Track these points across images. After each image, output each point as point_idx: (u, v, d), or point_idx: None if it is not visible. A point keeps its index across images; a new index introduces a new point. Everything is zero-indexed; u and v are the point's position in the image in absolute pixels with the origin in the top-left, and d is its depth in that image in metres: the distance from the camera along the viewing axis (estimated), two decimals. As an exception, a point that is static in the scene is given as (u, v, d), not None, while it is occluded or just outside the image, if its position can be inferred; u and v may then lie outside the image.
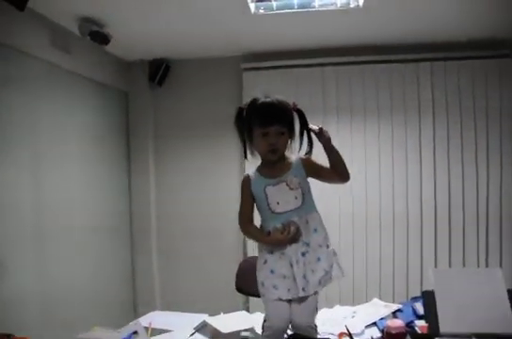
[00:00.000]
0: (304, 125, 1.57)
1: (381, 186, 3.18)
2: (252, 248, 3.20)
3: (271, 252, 1.58)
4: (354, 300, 2.64)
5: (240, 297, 2.91)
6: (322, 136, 1.52)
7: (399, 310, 1.97)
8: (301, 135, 1.57)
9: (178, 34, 2.88)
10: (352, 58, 3.19)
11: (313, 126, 1.54)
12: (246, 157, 1.64)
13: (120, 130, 3.37)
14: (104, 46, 2.71)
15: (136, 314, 3.16)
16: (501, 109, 3.09)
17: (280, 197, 1.57)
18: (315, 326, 1.60)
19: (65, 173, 2.63)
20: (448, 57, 3.14)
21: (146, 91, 3.43)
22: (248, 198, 1.62)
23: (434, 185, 3.14)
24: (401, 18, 2.70)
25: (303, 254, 1.55)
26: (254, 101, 1.56)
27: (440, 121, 3.15)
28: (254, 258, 2.73)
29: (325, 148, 1.55)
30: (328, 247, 1.60)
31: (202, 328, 1.95)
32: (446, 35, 3.03)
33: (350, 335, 1.57)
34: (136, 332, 1.41)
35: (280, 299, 1.55)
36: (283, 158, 1.61)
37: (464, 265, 3.06)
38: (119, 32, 2.68)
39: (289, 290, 1.54)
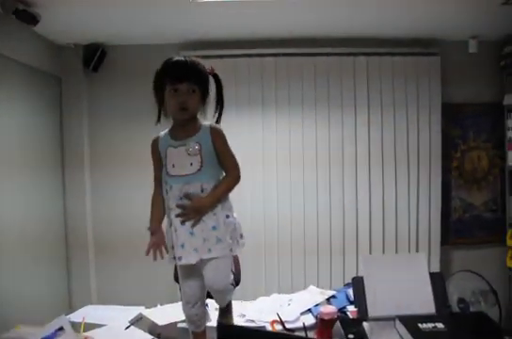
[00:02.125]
0: (219, 92, 1.57)
1: (318, 179, 3.25)
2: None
3: (176, 214, 1.55)
4: (293, 289, 2.69)
5: (177, 287, 2.89)
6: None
7: (333, 296, 2.03)
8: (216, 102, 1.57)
9: (115, 18, 2.76)
10: (290, 50, 3.21)
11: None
12: (159, 121, 1.61)
13: (53, 117, 3.20)
14: (33, 27, 2.54)
15: (72, 310, 3.05)
16: (430, 104, 3.26)
17: (177, 160, 1.55)
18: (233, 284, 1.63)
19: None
20: (383, 53, 3.25)
21: (80, 77, 3.27)
22: (156, 159, 1.62)
23: (368, 175, 3.26)
24: (338, 12, 2.73)
25: (183, 223, 1.52)
26: (167, 60, 1.55)
27: (374, 114, 3.27)
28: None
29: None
30: (227, 217, 1.56)
31: (138, 321, 1.92)
32: (382, 31, 3.12)
33: (282, 323, 1.60)
34: (61, 328, 1.34)
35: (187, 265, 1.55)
36: (194, 121, 1.58)
37: (397, 251, 3.22)
38: (48, 13, 2.50)
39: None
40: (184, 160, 1.53)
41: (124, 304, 2.13)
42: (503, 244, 3.21)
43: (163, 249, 1.58)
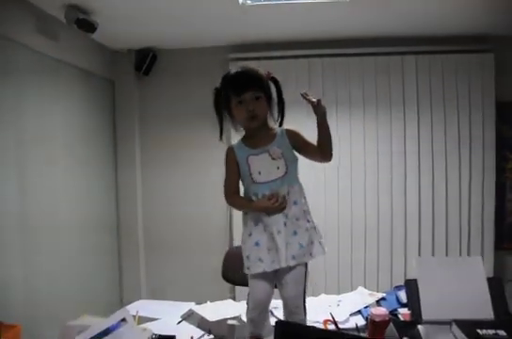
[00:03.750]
0: (279, 95, 1.58)
1: (366, 178, 3.22)
2: (238, 237, 3.21)
3: (256, 224, 1.57)
4: (339, 290, 2.68)
5: (226, 285, 2.94)
6: (319, 108, 1.49)
7: (383, 298, 2.01)
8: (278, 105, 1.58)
9: (165, 23, 2.85)
10: (338, 51, 3.20)
11: (311, 97, 1.49)
12: (221, 139, 1.64)
13: (107, 119, 3.34)
14: (91, 34, 2.67)
15: (122, 303, 3.18)
16: (483, 103, 3.15)
17: (262, 167, 1.55)
18: (304, 307, 1.61)
19: (50, 162, 2.60)
20: (433, 51, 3.18)
21: (132, 81, 3.40)
22: (234, 169, 1.60)
23: (418, 175, 3.19)
24: (386, 12, 2.71)
25: (285, 224, 1.53)
26: (226, 74, 1.57)
27: (424, 114, 3.20)
28: (240, 248, 2.80)
29: (318, 122, 1.52)
30: (308, 221, 1.58)
31: (189, 316, 1.97)
32: (432, 29, 3.05)
33: (335, 322, 1.60)
34: (124, 320, 1.41)
35: (265, 272, 1.55)
36: (267, 128, 1.60)
37: (447, 254, 3.13)
38: (105, 20, 2.64)
39: (273, 262, 1.54)
40: (270, 166, 1.55)
41: (172, 299, 2.19)
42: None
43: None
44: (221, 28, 2.99)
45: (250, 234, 1.59)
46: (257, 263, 1.56)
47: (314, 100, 1.48)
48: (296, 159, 1.60)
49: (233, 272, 2.60)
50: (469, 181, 3.16)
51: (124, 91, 3.41)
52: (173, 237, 3.41)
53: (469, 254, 3.12)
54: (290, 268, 1.55)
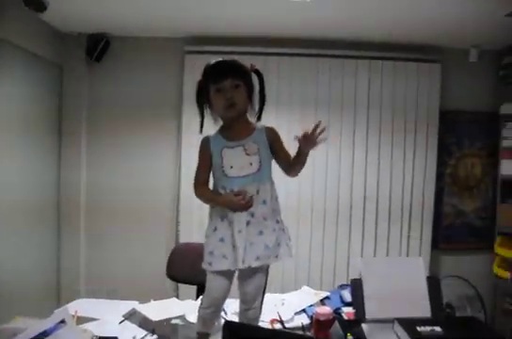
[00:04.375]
0: (261, 88, 1.54)
1: (314, 179, 3.27)
2: (185, 233, 3.18)
3: (222, 220, 1.52)
4: (283, 289, 2.71)
5: (170, 283, 2.90)
6: (307, 144, 1.46)
7: (327, 297, 2.05)
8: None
9: (121, 9, 2.73)
10: (295, 50, 3.23)
11: (298, 135, 1.45)
12: (201, 131, 1.58)
13: (53, 106, 3.17)
14: (40, 14, 2.52)
15: (60, 301, 3.04)
16: (428, 111, 3.31)
17: (235, 161, 1.51)
18: (259, 310, 1.60)
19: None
20: (385, 57, 3.28)
21: (82, 66, 3.23)
22: (206, 160, 1.56)
23: (364, 178, 3.29)
24: (344, 16, 2.76)
25: (248, 223, 1.50)
26: (207, 64, 1.54)
27: (373, 118, 3.30)
28: (187, 244, 2.77)
29: (303, 151, 1.50)
30: (277, 222, 1.55)
31: (131, 315, 1.91)
32: (386, 36, 3.15)
33: (281, 322, 1.61)
34: (63, 321, 1.34)
35: (229, 270, 1.52)
36: (245, 121, 1.56)
37: (387, 253, 3.26)
38: (57, 0, 2.50)
39: (237, 260, 1.49)
40: (243, 161, 1.51)
41: (113, 298, 2.13)
42: (491, 251, 3.27)
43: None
44: (179, 19, 2.92)
45: (215, 229, 1.54)
46: (221, 260, 1.51)
47: (300, 135, 1.45)
48: (271, 158, 1.57)
49: (179, 270, 2.57)
50: (411, 184, 3.31)
51: (73, 77, 3.23)
52: (117, 231, 3.29)
53: (408, 254, 3.26)
54: (254, 268, 1.52)
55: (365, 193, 3.28)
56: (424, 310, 1.55)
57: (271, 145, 1.55)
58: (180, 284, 2.96)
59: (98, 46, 3.17)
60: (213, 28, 3.11)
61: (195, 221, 3.14)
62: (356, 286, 1.60)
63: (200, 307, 1.60)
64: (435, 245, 3.35)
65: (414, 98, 3.31)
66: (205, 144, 1.57)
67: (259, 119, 1.57)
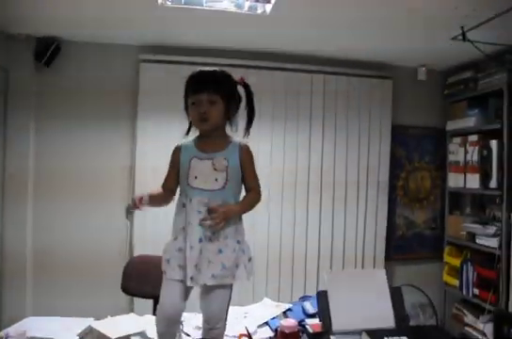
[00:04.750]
0: (249, 103, 1.54)
1: (270, 193, 3.22)
2: (140, 245, 3.05)
3: (183, 229, 1.50)
4: (241, 301, 2.65)
5: (124, 298, 2.77)
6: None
7: (289, 309, 2.05)
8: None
9: (75, 13, 2.61)
10: (250, 62, 3.21)
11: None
12: (187, 133, 1.60)
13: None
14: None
15: (2, 323, 2.78)
16: (381, 125, 3.42)
17: (201, 173, 1.49)
18: (224, 329, 1.57)
19: None
20: (339, 73, 3.36)
21: (30, 70, 3.04)
22: (174, 168, 1.56)
23: (320, 190, 3.32)
24: (301, 31, 2.79)
25: (200, 240, 1.47)
26: (192, 72, 1.53)
27: (328, 131, 3.36)
28: (142, 257, 2.66)
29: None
30: (238, 243, 1.52)
31: (87, 334, 1.81)
32: (341, 52, 3.24)
33: (250, 336, 1.58)
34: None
35: (181, 281, 1.49)
36: (222, 135, 1.55)
37: (343, 264, 3.30)
38: None
39: (192, 278, 1.48)
40: (209, 175, 1.49)
41: (63, 315, 1.99)
42: (440, 260, 3.41)
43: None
44: (135, 27, 2.84)
45: (176, 239, 1.52)
46: (175, 269, 1.49)
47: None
48: (240, 177, 1.54)
49: (134, 283, 2.47)
50: (365, 197, 3.38)
51: (19, 82, 3.02)
52: (65, 243, 3.08)
53: (363, 264, 3.32)
54: (214, 286, 1.49)
55: (320, 205, 3.31)
56: (388, 320, 1.57)
57: (241, 164, 1.53)
58: (135, 298, 2.83)
59: (48, 50, 3.03)
60: (169, 37, 3.06)
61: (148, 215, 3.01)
62: (322, 298, 1.60)
63: (155, 321, 1.56)
64: (388, 256, 3.43)
65: (368, 113, 3.40)
66: (176, 153, 1.56)
67: (246, 134, 1.56)
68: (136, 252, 3.00)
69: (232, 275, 1.50)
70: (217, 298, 1.51)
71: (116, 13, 2.59)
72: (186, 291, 1.54)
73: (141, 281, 2.44)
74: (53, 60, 3.08)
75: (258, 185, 1.58)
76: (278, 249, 3.24)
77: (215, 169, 1.48)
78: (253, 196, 1.56)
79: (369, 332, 1.41)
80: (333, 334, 1.44)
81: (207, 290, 1.52)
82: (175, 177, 1.56)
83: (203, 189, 1.48)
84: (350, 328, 1.48)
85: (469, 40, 2.64)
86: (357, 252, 3.35)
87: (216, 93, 1.48)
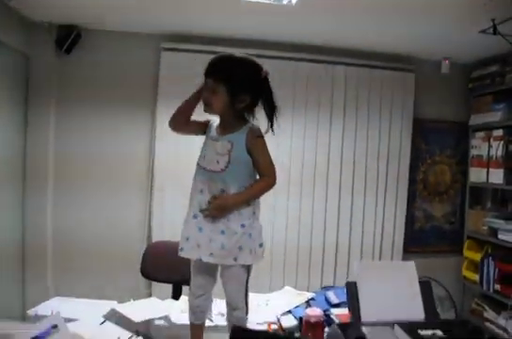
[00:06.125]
0: (267, 98, 1.53)
1: (290, 184, 3.24)
2: (158, 230, 3.06)
3: (201, 209, 1.54)
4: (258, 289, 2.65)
5: (142, 282, 2.79)
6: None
7: (312, 298, 2.04)
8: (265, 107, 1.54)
9: (97, 1, 2.60)
10: (274, 53, 3.18)
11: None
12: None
13: (18, 98, 2.97)
14: (7, 1, 2.35)
15: (25, 305, 2.80)
16: (402, 118, 3.39)
17: (208, 154, 1.54)
18: (246, 306, 1.60)
19: None
20: (361, 64, 3.32)
21: (51, 57, 3.05)
22: (202, 126, 1.62)
23: (339, 182, 3.30)
24: (329, 22, 2.76)
25: (212, 220, 1.52)
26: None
27: (348, 124, 3.33)
28: (160, 242, 2.66)
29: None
30: (242, 226, 1.52)
31: (112, 316, 1.82)
32: (364, 44, 3.20)
33: (281, 327, 1.58)
34: (55, 326, 1.23)
35: (201, 260, 1.53)
36: (234, 119, 1.54)
37: (361, 255, 3.29)
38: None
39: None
40: (212, 156, 1.52)
41: (83, 296, 2.03)
42: (460, 254, 3.38)
43: None
44: (157, 15, 2.82)
45: (195, 217, 1.55)
46: (195, 249, 1.54)
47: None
48: (247, 161, 1.53)
49: (153, 268, 2.48)
50: (384, 189, 3.36)
51: (41, 68, 3.04)
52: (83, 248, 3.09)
53: (380, 256, 3.31)
54: (229, 265, 1.53)
55: (340, 196, 3.30)
56: (418, 313, 1.55)
57: (248, 148, 1.51)
58: (153, 283, 2.84)
59: (68, 38, 3.02)
60: (192, 26, 3.03)
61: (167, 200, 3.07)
62: (351, 289, 1.58)
63: (188, 297, 1.63)
64: (406, 248, 3.42)
65: (389, 105, 3.37)
66: (207, 124, 1.62)
67: (269, 130, 1.54)
68: (155, 237, 3.02)
69: (232, 257, 1.51)
70: (231, 278, 1.55)
71: (138, 1, 2.56)
72: (214, 268, 1.59)
73: (160, 266, 2.45)
74: (73, 48, 3.08)
75: (269, 170, 1.56)
76: (296, 239, 3.24)
77: (217, 152, 1.50)
78: (261, 184, 1.55)
79: (401, 325, 1.39)
80: (364, 325, 1.43)
81: (222, 270, 1.57)
82: (199, 124, 1.61)
83: (205, 169, 1.53)
84: (379, 319, 1.46)
85: (499, 34, 2.59)
86: (375, 244, 3.34)
87: (219, 82, 1.47)
